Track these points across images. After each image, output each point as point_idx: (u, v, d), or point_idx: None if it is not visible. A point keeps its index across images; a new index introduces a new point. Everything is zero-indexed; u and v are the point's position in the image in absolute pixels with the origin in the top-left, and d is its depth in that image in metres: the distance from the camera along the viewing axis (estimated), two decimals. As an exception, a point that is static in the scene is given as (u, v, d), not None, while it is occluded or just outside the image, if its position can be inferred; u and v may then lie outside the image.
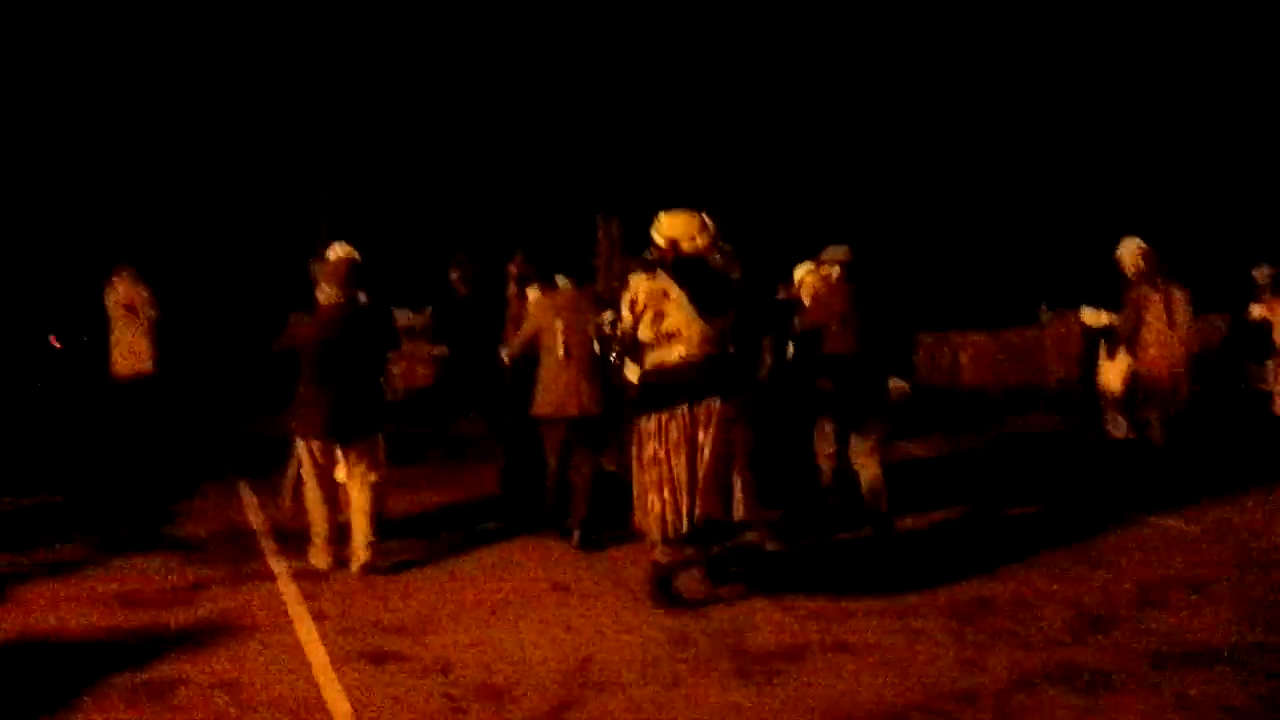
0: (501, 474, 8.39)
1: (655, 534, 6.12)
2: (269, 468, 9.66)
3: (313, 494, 6.94)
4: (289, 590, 6.62)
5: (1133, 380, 8.90)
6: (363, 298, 7.18)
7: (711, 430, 6.03)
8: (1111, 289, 8.92)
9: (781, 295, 9.26)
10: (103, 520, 8.39)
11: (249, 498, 8.98)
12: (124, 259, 11.62)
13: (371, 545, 6.90)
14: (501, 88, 15.62)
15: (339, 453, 6.91)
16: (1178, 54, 16.70)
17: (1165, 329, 8.66)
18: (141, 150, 15.63)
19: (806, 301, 7.97)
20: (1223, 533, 7.60)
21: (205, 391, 13.26)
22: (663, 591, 6.25)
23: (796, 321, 7.98)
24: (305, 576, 6.84)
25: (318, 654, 5.57)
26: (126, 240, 12.96)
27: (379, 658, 5.50)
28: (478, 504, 8.54)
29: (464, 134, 16.06)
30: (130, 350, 11.35)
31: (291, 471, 7.75)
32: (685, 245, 6.27)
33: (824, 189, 16.76)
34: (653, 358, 6.22)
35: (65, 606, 6.39)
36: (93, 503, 8.94)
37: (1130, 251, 8.85)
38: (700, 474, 6.02)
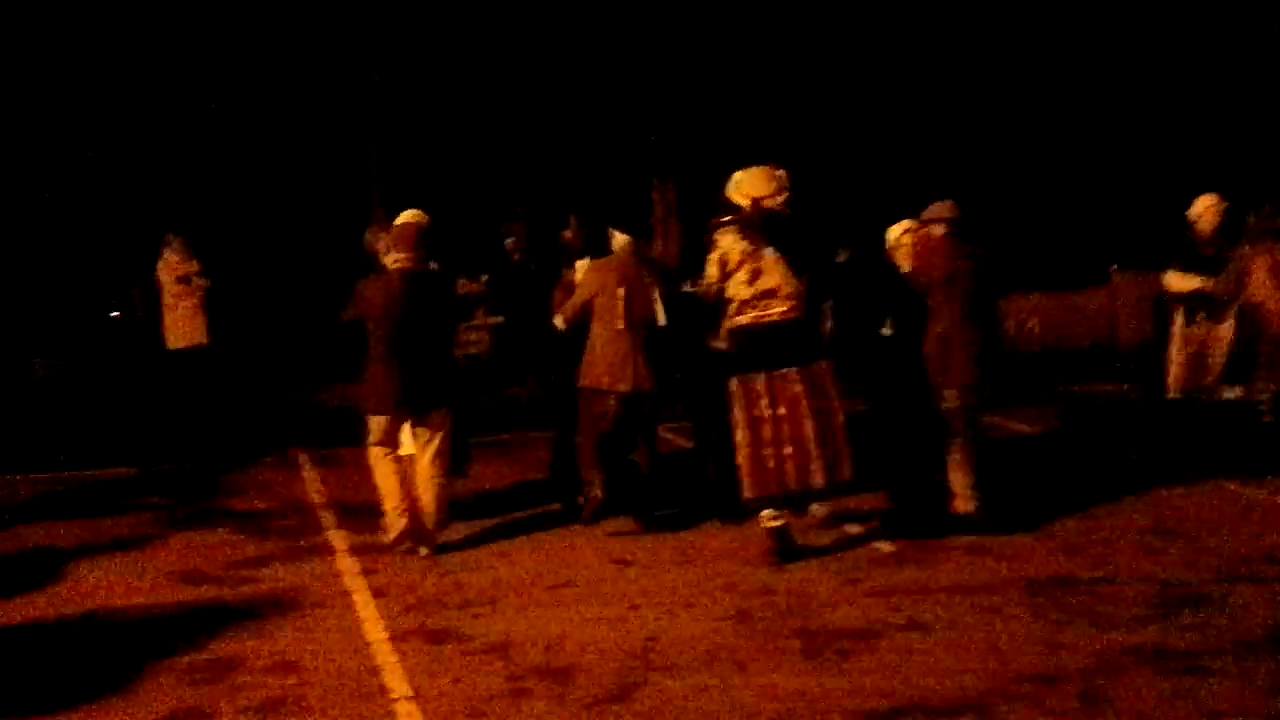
0: (554, 446, 7.97)
1: (774, 489, 6.26)
2: (329, 439, 9.65)
3: (385, 470, 6.62)
4: (349, 565, 6.55)
5: (1242, 346, 8.14)
6: (433, 265, 6.85)
7: (815, 389, 6.31)
8: (1185, 250, 8.41)
9: (841, 258, 8.99)
10: (163, 495, 8.38)
11: (309, 471, 8.93)
12: (172, 228, 11.58)
13: (442, 523, 6.71)
14: (556, 51, 15.32)
15: (409, 426, 6.62)
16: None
17: (1276, 292, 7.96)
18: (183, 116, 15.52)
19: (904, 266, 7.24)
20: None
21: (261, 362, 13.22)
22: (787, 550, 6.35)
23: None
24: (365, 551, 6.77)
25: (377, 631, 5.49)
26: (172, 210, 12.90)
27: (439, 636, 5.40)
28: (535, 477, 8.34)
29: (518, 96, 15.80)
30: (185, 322, 11.35)
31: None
32: (767, 203, 6.45)
33: (878, 149, 16.36)
34: (750, 315, 6.35)
35: (126, 583, 6.37)
36: (153, 477, 8.94)
37: (1209, 209, 8.33)
38: (812, 433, 6.27)
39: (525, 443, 9.28)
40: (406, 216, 7.02)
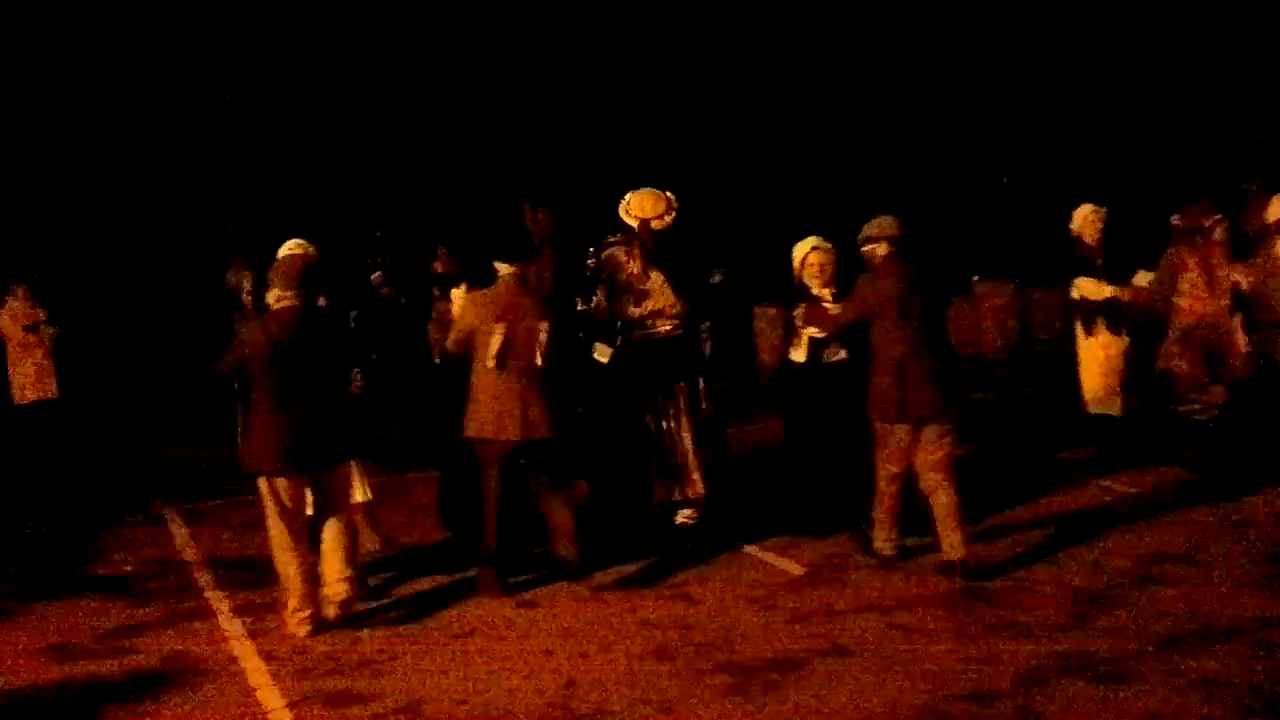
0: (441, 486, 7.48)
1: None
2: (196, 491, 9.08)
3: (280, 542, 5.78)
4: (233, 628, 6.08)
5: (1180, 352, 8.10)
6: (321, 300, 6.35)
7: (692, 404, 6.66)
8: (1074, 260, 8.46)
9: (716, 279, 8.76)
10: (17, 564, 7.67)
11: (178, 527, 8.35)
12: (14, 275, 10.82)
13: (349, 580, 5.95)
14: (415, 70, 14.88)
15: (308, 488, 5.88)
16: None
17: (1205, 292, 7.92)
18: (22, 151, 14.58)
19: (814, 286, 6.90)
20: (1189, 498, 7.44)
21: (117, 414, 12.46)
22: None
23: (813, 317, 6.77)
24: (248, 611, 6.30)
25: (272, 699, 5.10)
26: (13, 255, 12.05)
27: (340, 699, 5.04)
28: (422, 521, 7.92)
29: (378, 121, 15.30)
30: (33, 374, 10.61)
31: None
32: (655, 224, 6.61)
33: (754, 169, 16.42)
34: (638, 334, 6.66)
35: (-16, 664, 5.79)
36: (4, 544, 8.23)
37: (1089, 219, 8.31)
38: (681, 451, 6.63)
39: (404, 486, 8.82)
40: (291, 248, 6.48)
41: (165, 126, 14.62)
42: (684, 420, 6.71)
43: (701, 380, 6.82)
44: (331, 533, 5.94)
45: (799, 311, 6.87)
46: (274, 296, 5.86)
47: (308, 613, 5.82)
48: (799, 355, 6.94)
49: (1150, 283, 8.16)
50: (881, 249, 6.24)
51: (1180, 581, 5.94)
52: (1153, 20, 16.47)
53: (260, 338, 5.78)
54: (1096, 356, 8.34)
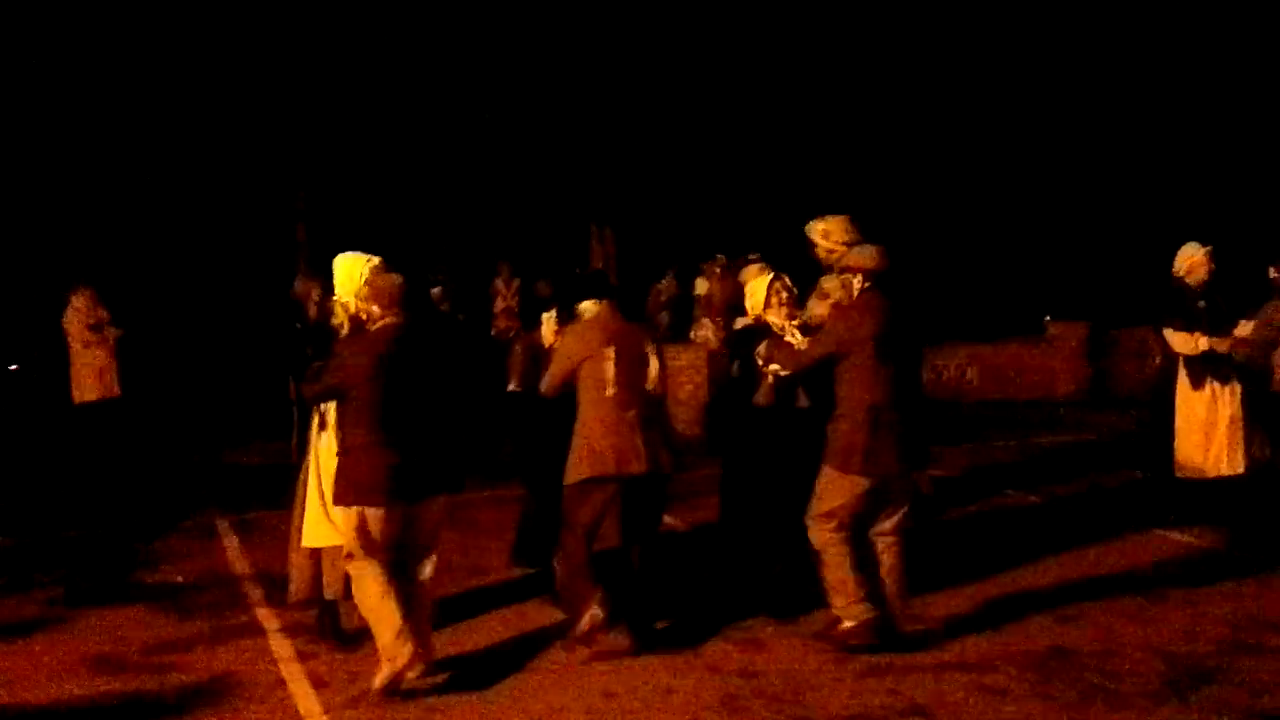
0: (518, 530, 6.91)
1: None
2: (250, 502, 8.93)
3: (370, 574, 5.20)
4: (282, 648, 5.89)
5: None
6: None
7: None
8: (1173, 303, 7.94)
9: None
10: (66, 568, 7.56)
11: (230, 539, 8.20)
12: (80, 277, 10.79)
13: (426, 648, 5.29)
14: (485, 87, 14.78)
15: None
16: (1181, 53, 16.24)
17: None
18: (90, 156, 14.62)
19: (777, 318, 6.25)
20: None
21: (177, 418, 12.39)
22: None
23: (777, 354, 6.07)
24: (299, 631, 6.10)
25: (320, 729, 4.88)
26: (79, 256, 12.05)
27: (392, 734, 4.81)
28: (483, 548, 7.68)
29: (447, 134, 15.21)
30: (95, 373, 10.56)
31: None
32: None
33: (814, 194, 16.15)
34: None
35: (27, 673, 5.63)
36: (54, 547, 8.12)
37: (1200, 261, 7.74)
38: None
39: (465, 510, 8.55)
40: (355, 261, 6.16)
41: (237, 130, 14.63)
42: None
43: None
44: (426, 579, 5.45)
45: (761, 349, 6.18)
46: (372, 319, 5.50)
47: (406, 635, 5.13)
48: (762, 398, 6.25)
49: (1254, 330, 7.64)
50: (857, 281, 5.71)
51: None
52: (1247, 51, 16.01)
53: (364, 359, 5.30)
54: (1197, 415, 7.70)
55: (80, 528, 8.55)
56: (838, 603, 5.62)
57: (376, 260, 5.80)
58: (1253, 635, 5.77)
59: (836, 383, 5.66)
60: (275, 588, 6.82)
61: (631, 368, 5.73)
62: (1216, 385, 7.73)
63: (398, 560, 5.29)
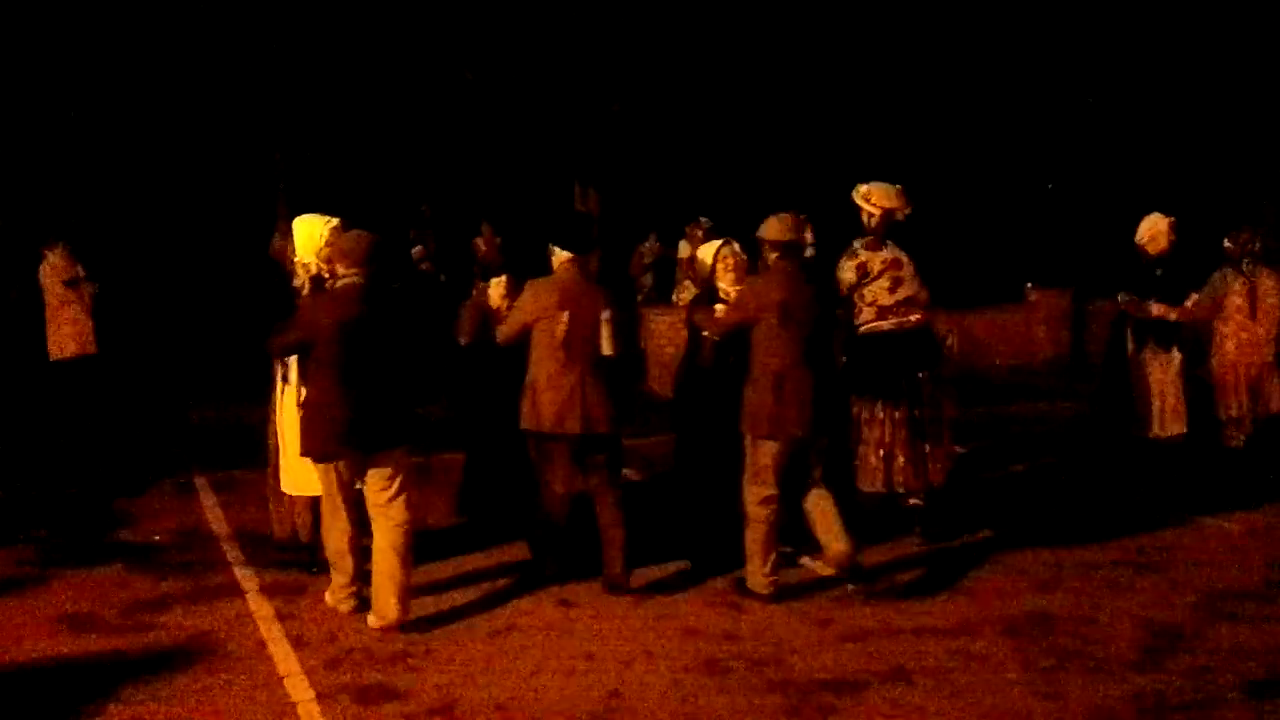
0: (466, 470, 7.25)
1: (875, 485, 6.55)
2: (229, 460, 8.87)
3: (337, 525, 5.61)
4: (261, 608, 5.86)
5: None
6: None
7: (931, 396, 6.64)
8: (1131, 271, 8.05)
9: None
10: (43, 526, 7.49)
11: (208, 496, 8.14)
12: (55, 232, 10.62)
13: (405, 595, 5.56)
14: (469, 45, 14.56)
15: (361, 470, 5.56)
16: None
17: (1248, 321, 7.77)
18: (64, 110, 14.36)
19: (725, 284, 6.38)
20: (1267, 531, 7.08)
21: (154, 375, 12.26)
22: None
23: (702, 319, 6.35)
24: (278, 591, 6.07)
25: (300, 689, 4.87)
26: (53, 211, 11.85)
27: (371, 695, 4.80)
28: (456, 504, 7.62)
29: (427, 92, 14.99)
30: (71, 329, 10.43)
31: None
32: (899, 215, 6.66)
33: (800, 167, 16.07)
34: (892, 321, 6.58)
35: (3, 631, 5.58)
36: (31, 505, 8.04)
37: (1161, 231, 7.84)
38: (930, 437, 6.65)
39: (444, 467, 8.51)
40: (313, 221, 6.06)
41: (213, 86, 14.40)
42: (925, 411, 6.67)
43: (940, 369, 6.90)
44: (387, 529, 5.55)
45: (696, 316, 6.45)
46: (339, 276, 5.52)
47: (354, 589, 5.68)
48: (705, 360, 6.45)
49: (1196, 304, 7.82)
50: (771, 253, 5.90)
51: (1260, 620, 5.59)
52: (1221, 27, 15.96)
53: (328, 315, 5.45)
54: (1148, 377, 7.89)
55: (57, 486, 8.47)
56: (749, 567, 5.91)
57: (335, 221, 5.99)
58: (1229, 604, 5.81)
59: (750, 349, 5.85)
60: (254, 546, 6.80)
61: (584, 330, 5.87)
62: (1162, 351, 7.88)
63: (363, 519, 5.61)
